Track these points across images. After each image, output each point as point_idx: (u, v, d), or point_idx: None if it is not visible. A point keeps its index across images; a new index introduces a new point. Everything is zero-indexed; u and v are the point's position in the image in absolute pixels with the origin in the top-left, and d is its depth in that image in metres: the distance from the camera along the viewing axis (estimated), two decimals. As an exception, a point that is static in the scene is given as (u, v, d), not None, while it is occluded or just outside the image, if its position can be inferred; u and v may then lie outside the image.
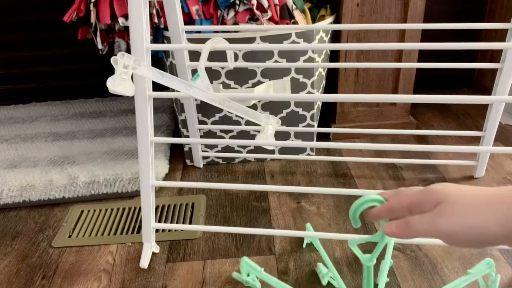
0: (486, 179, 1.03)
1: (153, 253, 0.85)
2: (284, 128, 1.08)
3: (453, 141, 1.20)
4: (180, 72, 0.97)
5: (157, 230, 0.89)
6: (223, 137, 1.10)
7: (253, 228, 0.89)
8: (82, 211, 0.99)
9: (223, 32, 0.98)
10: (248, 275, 0.72)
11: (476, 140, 1.17)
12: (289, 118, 1.09)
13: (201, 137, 1.10)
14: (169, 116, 1.32)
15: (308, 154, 1.15)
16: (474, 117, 1.33)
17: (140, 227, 0.92)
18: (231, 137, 1.10)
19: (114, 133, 1.24)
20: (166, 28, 0.97)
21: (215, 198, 1.01)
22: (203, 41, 0.73)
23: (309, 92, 1.06)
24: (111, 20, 0.98)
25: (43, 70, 1.47)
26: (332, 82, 1.19)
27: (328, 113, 1.25)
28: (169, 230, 0.91)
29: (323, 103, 1.22)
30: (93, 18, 0.99)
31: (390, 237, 0.42)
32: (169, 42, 0.97)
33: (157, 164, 1.06)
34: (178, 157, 1.18)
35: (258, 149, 1.12)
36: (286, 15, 0.99)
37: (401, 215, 0.42)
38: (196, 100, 1.03)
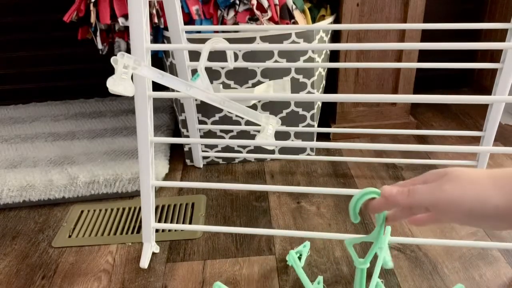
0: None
1: (153, 253, 0.85)
2: (284, 128, 1.08)
3: (453, 141, 1.20)
4: (180, 72, 0.97)
5: (157, 230, 0.89)
6: (223, 137, 1.10)
7: (253, 228, 0.89)
8: (82, 211, 0.99)
9: (223, 32, 0.98)
10: None
11: (476, 140, 1.17)
12: (289, 118, 1.09)
13: (201, 137, 1.10)
14: (169, 116, 1.32)
15: (308, 154, 1.15)
16: (474, 117, 1.33)
17: (140, 227, 0.92)
18: (231, 137, 1.10)
19: (114, 133, 1.24)
20: (166, 28, 0.97)
21: (215, 198, 1.01)
22: (203, 41, 0.73)
23: (309, 92, 1.06)
24: (111, 20, 0.98)
25: (43, 70, 1.47)
26: (332, 82, 1.19)
27: (328, 113, 1.25)
28: (169, 230, 0.91)
29: (323, 103, 1.22)
30: (93, 18, 0.99)
31: (387, 225, 0.42)
32: (169, 42, 0.97)
33: (157, 164, 1.06)
34: (178, 157, 1.18)
35: (258, 149, 1.12)
36: (286, 15, 0.99)
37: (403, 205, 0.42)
38: (196, 100, 1.03)
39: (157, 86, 0.70)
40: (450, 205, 0.37)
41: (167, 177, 1.09)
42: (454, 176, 0.38)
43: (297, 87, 1.05)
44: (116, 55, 0.64)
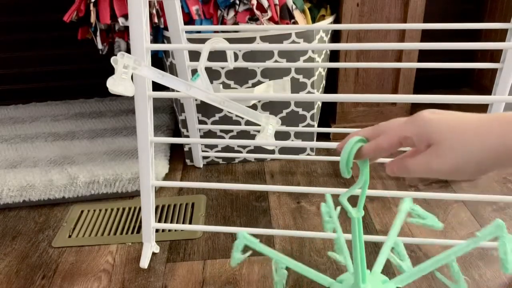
0: (486, 179, 1.03)
1: (153, 253, 0.85)
2: (284, 128, 1.08)
3: (453, 141, 1.20)
4: (180, 72, 0.97)
5: (157, 230, 0.89)
6: (223, 137, 1.10)
7: (253, 228, 0.89)
8: (82, 211, 0.99)
9: (223, 32, 0.98)
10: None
11: (476, 140, 1.17)
12: (289, 118, 1.09)
13: (201, 137, 1.10)
14: (169, 116, 1.32)
15: (308, 154, 1.15)
16: (474, 117, 1.33)
17: (140, 227, 0.92)
18: (231, 137, 1.10)
19: (114, 133, 1.24)
20: (166, 28, 0.97)
21: (215, 198, 1.01)
22: (203, 41, 0.73)
23: (309, 92, 1.06)
24: (111, 20, 0.98)
25: (43, 70, 1.47)
26: (332, 82, 1.19)
27: (328, 113, 1.25)
28: (169, 230, 0.91)
29: (323, 103, 1.22)
30: (93, 18, 0.99)
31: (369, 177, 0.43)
32: (169, 42, 0.97)
33: (157, 164, 1.06)
34: (178, 157, 1.18)
35: (258, 149, 1.12)
36: (286, 15, 0.99)
37: (391, 151, 0.43)
38: (196, 100, 1.03)
39: (157, 86, 0.70)
40: (443, 176, 0.39)
41: (167, 177, 1.09)
42: (441, 144, 0.38)
43: (297, 87, 1.05)
44: (116, 55, 0.64)
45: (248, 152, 1.13)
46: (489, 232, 0.61)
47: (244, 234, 0.62)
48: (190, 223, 0.93)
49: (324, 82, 1.16)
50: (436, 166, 0.38)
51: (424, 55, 1.10)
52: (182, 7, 0.94)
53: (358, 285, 0.53)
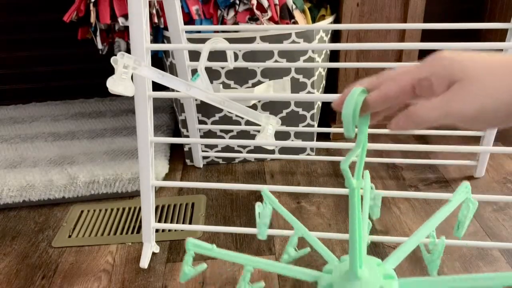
0: (486, 179, 1.03)
1: (153, 253, 0.85)
2: (284, 128, 1.08)
3: (453, 141, 1.20)
4: (180, 72, 0.97)
5: (157, 230, 0.89)
6: (223, 137, 1.10)
7: (253, 228, 0.89)
8: (82, 211, 0.99)
9: (223, 32, 0.98)
10: None
11: (476, 140, 1.17)
12: (289, 118, 1.09)
13: (201, 137, 1.10)
14: (169, 116, 1.32)
15: (308, 154, 1.15)
16: (474, 117, 1.33)
17: (140, 227, 0.92)
18: (231, 137, 1.10)
19: (114, 133, 1.24)
20: (166, 28, 0.97)
21: (215, 198, 1.01)
22: (203, 41, 0.73)
23: (309, 92, 1.06)
24: (111, 20, 0.98)
25: (43, 70, 1.47)
26: (332, 82, 1.19)
27: (328, 113, 1.25)
28: (169, 230, 0.91)
29: (323, 103, 1.22)
30: (93, 18, 0.99)
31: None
32: (169, 42, 0.97)
33: (157, 164, 1.06)
34: (178, 157, 1.18)
35: (258, 149, 1.12)
36: (286, 15, 0.99)
37: (402, 100, 0.36)
38: (196, 100, 1.03)
39: (157, 86, 0.70)
40: (464, 121, 0.33)
41: (167, 177, 1.09)
42: (467, 81, 0.32)
43: (297, 87, 1.05)
44: (116, 55, 0.64)
45: (248, 152, 1.13)
46: (460, 194, 0.59)
47: (266, 191, 0.60)
48: (190, 223, 0.93)
49: (324, 82, 1.16)
50: (459, 107, 0.31)
51: (424, 55, 1.10)
52: (182, 7, 0.94)
53: (354, 272, 0.44)
